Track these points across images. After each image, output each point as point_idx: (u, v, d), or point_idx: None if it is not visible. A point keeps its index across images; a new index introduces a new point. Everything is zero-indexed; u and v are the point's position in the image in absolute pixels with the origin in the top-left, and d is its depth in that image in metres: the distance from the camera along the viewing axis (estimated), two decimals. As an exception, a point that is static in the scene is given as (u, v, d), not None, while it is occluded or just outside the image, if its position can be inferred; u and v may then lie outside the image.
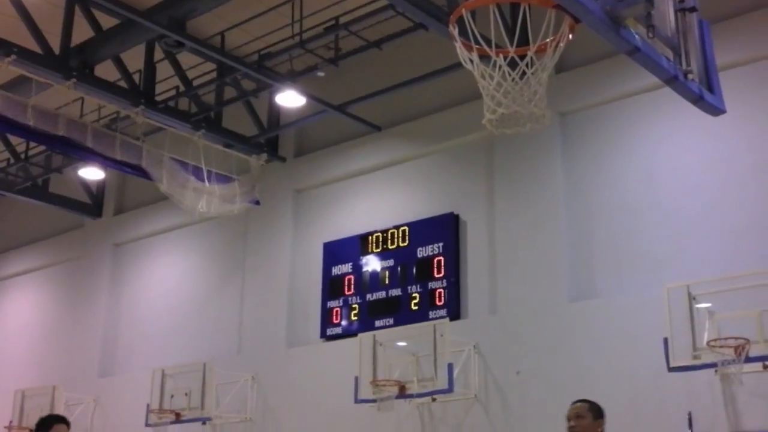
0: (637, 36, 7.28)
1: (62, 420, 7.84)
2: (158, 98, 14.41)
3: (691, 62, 7.91)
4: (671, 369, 10.09)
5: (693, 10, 7.23)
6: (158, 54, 14.21)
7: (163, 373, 15.12)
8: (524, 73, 7.87)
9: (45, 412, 16.64)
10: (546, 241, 12.35)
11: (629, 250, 11.77)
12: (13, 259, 20.96)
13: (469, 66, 7.75)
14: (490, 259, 13.00)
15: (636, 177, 12.01)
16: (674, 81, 7.87)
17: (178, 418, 14.62)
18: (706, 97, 8.25)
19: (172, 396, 14.88)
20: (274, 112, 15.54)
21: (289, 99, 14.30)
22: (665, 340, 10.09)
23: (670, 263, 11.24)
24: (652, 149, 11.97)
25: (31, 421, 16.87)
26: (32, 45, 13.09)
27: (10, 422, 17.28)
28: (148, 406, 15.00)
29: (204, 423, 14.81)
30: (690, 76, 7.80)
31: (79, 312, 18.79)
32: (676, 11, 7.16)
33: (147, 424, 14.96)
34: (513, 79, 7.84)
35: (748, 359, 9.70)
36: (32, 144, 17.38)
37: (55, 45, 13.19)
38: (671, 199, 11.59)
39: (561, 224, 12.33)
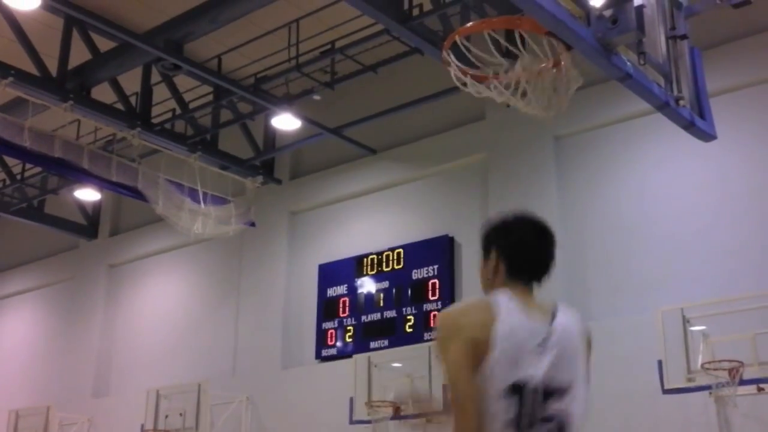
0: (628, 63, 7.38)
1: None
2: (155, 120, 14.47)
3: (682, 88, 8.01)
4: (666, 391, 10.13)
5: (684, 37, 7.34)
6: (155, 77, 14.27)
7: (157, 393, 15.11)
8: (525, 93, 8.01)
9: (39, 433, 16.77)
10: (540, 264, 12.38)
11: (623, 273, 11.85)
12: (8, 280, 20.96)
13: (463, 88, 7.87)
14: (484, 282, 13.02)
15: (630, 200, 12.11)
16: (666, 107, 7.98)
17: (172, 439, 14.63)
18: (697, 122, 8.35)
19: (166, 416, 14.88)
20: (270, 134, 15.60)
21: (285, 122, 14.38)
22: (659, 363, 10.14)
23: (664, 286, 11.32)
24: (645, 173, 12.07)
25: (24, 440, 16.91)
26: (30, 67, 13.16)
27: (4, 443, 17.29)
28: (142, 426, 14.99)
29: (197, 443, 14.80)
30: (681, 103, 7.90)
31: (73, 332, 18.78)
32: (667, 38, 7.27)
33: (142, 444, 14.97)
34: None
35: (742, 382, 9.76)
36: (28, 165, 17.42)
37: (53, 67, 13.26)
38: (665, 222, 11.68)
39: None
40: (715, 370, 9.85)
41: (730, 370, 9.74)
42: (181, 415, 14.70)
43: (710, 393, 9.96)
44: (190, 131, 14.99)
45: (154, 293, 17.79)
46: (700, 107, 8.40)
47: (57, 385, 18.52)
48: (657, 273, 11.51)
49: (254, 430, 14.81)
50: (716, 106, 7.73)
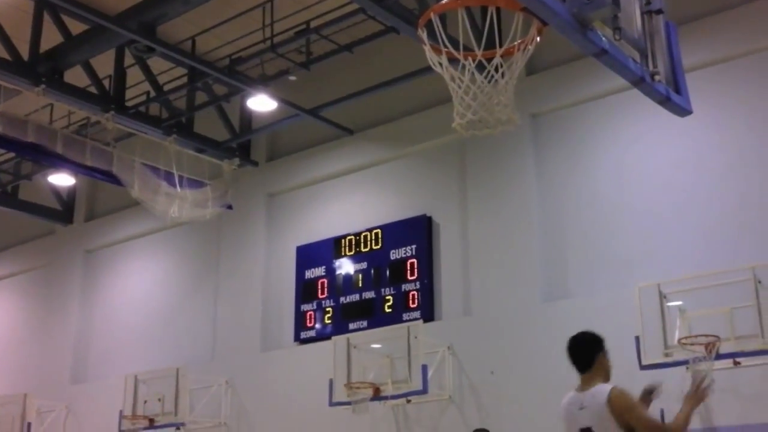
0: (604, 38, 7.34)
1: None
2: (129, 104, 14.33)
3: (657, 64, 7.99)
4: (643, 367, 10.17)
5: (659, 12, 7.31)
6: (128, 59, 14.15)
7: (136, 379, 15.06)
8: (493, 76, 7.92)
9: (17, 420, 16.64)
10: (519, 242, 12.43)
11: (601, 251, 11.89)
12: (-18, 268, 20.77)
13: (438, 69, 7.78)
14: (463, 261, 13.06)
15: (607, 177, 12.13)
16: (641, 83, 7.95)
17: (151, 424, 14.57)
18: (672, 98, 8.34)
19: (145, 402, 14.86)
20: (246, 116, 15.51)
21: (261, 103, 14.27)
22: (637, 339, 10.19)
23: (641, 263, 11.36)
24: (622, 150, 12.09)
25: (2, 428, 16.79)
26: (0, 51, 13.00)
27: (-19, 430, 17.18)
28: (121, 412, 14.94)
29: (178, 428, 14.74)
30: (657, 78, 7.88)
31: (50, 319, 18.65)
32: (642, 13, 7.23)
33: (120, 431, 14.88)
34: (481, 83, 7.89)
35: (719, 356, 9.82)
36: (1, 151, 17.24)
37: (24, 51, 13.11)
38: (642, 199, 11.71)
39: (533, 225, 12.41)
40: (692, 345, 9.90)
41: (706, 345, 9.79)
42: (159, 400, 14.69)
43: (687, 368, 9.99)
44: (165, 114, 14.87)
45: (132, 278, 17.68)
46: (676, 82, 8.40)
47: (34, 372, 18.40)
48: (634, 249, 11.55)
49: (234, 414, 14.78)
50: (692, 82, 7.72)
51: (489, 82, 7.84)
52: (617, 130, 12.18)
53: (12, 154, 16.97)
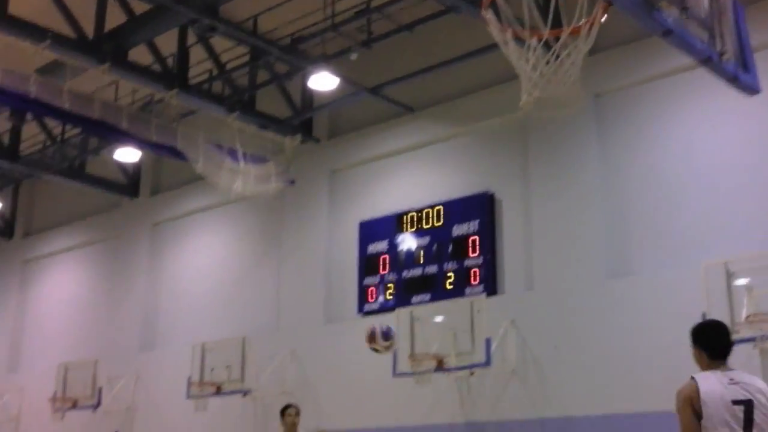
0: (670, 18, 7.31)
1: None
2: (192, 82, 14.52)
3: (725, 43, 7.94)
4: (709, 345, 10.14)
5: (726, -9, 7.27)
6: (191, 38, 14.31)
7: (203, 347, 15.44)
8: (559, 55, 7.93)
9: (88, 386, 17.19)
10: (582, 220, 12.43)
11: (666, 228, 11.84)
12: (54, 238, 21.32)
13: (504, 48, 7.80)
14: (525, 237, 13.09)
15: (672, 155, 12.04)
16: (709, 61, 7.92)
17: (218, 391, 14.95)
18: (741, 77, 8.29)
19: (212, 369, 15.23)
20: (307, 94, 15.60)
21: (322, 81, 14.33)
22: (703, 316, 10.13)
23: (707, 240, 11.32)
24: (688, 128, 11.99)
25: (74, 393, 17.36)
26: (66, 30, 13.22)
27: (54, 394, 17.74)
28: (189, 379, 15.31)
29: (244, 395, 15.10)
30: (725, 57, 7.84)
31: (119, 289, 19.13)
32: (709, -7, 7.20)
33: (188, 397, 15.30)
34: (548, 61, 7.91)
35: (786, 333, 9.79)
36: (68, 126, 17.60)
37: (89, 30, 13.32)
38: (708, 177, 11.64)
39: (596, 203, 12.39)
40: (759, 322, 9.87)
41: (774, 323, 9.76)
42: (227, 368, 14.99)
43: (754, 345, 9.99)
44: (228, 92, 15.02)
45: (198, 251, 18.02)
46: (744, 61, 8.33)
47: (104, 340, 18.94)
48: (700, 227, 11.50)
49: (299, 384, 15.05)
50: (759, 61, 7.64)
51: (555, 60, 7.87)
52: (682, 109, 12.06)
53: (79, 130, 17.31)
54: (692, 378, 5.13)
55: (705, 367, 5.24)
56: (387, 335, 9.03)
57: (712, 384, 5.04)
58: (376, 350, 8.96)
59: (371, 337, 8.86)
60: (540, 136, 13.18)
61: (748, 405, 4.98)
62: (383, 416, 13.76)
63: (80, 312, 20.17)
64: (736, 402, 4.98)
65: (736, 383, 5.06)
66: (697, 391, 4.99)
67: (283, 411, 9.75)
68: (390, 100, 14.55)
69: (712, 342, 5.30)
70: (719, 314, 9.97)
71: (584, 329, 11.98)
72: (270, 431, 15.14)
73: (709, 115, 11.73)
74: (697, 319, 10.03)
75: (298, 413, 9.81)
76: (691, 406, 4.99)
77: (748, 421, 4.95)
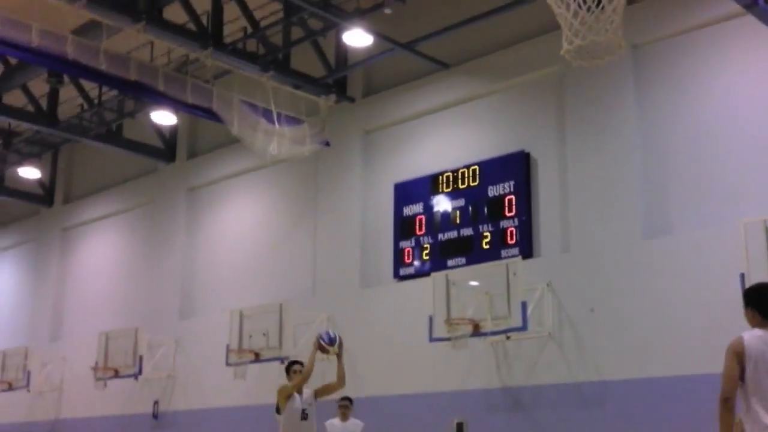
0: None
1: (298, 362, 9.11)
2: (226, 40, 14.38)
3: (771, -14, 7.59)
4: (748, 304, 9.84)
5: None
6: (225, -5, 14.17)
7: (241, 314, 15.39)
8: (600, 1, 7.75)
9: (129, 354, 17.27)
10: (619, 177, 12.10)
11: (705, 185, 11.49)
12: (91, 205, 21.43)
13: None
14: (562, 197, 12.81)
15: (713, 110, 11.64)
16: (753, 6, 7.58)
17: (257, 358, 14.90)
18: (786, 22, 7.92)
19: (250, 336, 15.18)
20: (342, 52, 15.42)
21: (357, 38, 14.10)
22: (742, 276, 9.85)
23: (746, 197, 10.96)
24: (729, 81, 11.56)
25: (115, 362, 17.46)
26: (101, -12, 13.15)
27: (96, 363, 17.84)
28: (227, 346, 15.28)
29: (282, 362, 14.99)
30: (771, 1, 7.47)
31: (157, 255, 19.17)
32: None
33: (227, 364, 15.26)
34: (589, 8, 7.71)
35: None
36: (105, 89, 17.61)
37: (124, -13, 13.24)
38: (748, 131, 11.23)
39: (634, 160, 12.05)
40: (802, 281, 9.51)
41: (817, 281, 9.41)
42: (264, 334, 14.97)
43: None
44: (262, 50, 14.88)
45: (234, 215, 17.97)
46: (791, 6, 7.97)
47: (144, 307, 19.00)
48: (739, 184, 11.13)
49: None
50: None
51: (596, 7, 7.69)
52: (723, 59, 11.62)
53: (115, 93, 17.32)
54: (741, 335, 5.25)
55: (756, 325, 5.35)
56: (332, 340, 9.17)
57: (757, 342, 5.21)
58: (328, 354, 9.16)
59: (321, 347, 9.04)
60: (577, 92, 12.83)
61: None
62: (419, 381, 13.65)
63: (119, 279, 20.27)
64: None
65: None
66: (743, 346, 5.17)
67: (289, 368, 9.20)
68: (425, 56, 14.28)
69: (765, 302, 5.35)
70: (758, 273, 9.68)
71: (621, 291, 11.69)
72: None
73: (752, 67, 11.29)
74: (736, 279, 9.88)
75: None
76: (737, 358, 5.18)
77: None
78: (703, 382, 9.50)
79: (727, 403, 5.13)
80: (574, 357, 12.00)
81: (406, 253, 14.44)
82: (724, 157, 11.37)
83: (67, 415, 20.06)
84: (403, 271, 14.44)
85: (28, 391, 20.29)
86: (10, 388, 20.33)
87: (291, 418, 8.69)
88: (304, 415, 8.70)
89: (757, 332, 5.28)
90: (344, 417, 11.59)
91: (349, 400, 11.77)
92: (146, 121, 18.33)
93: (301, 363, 9.07)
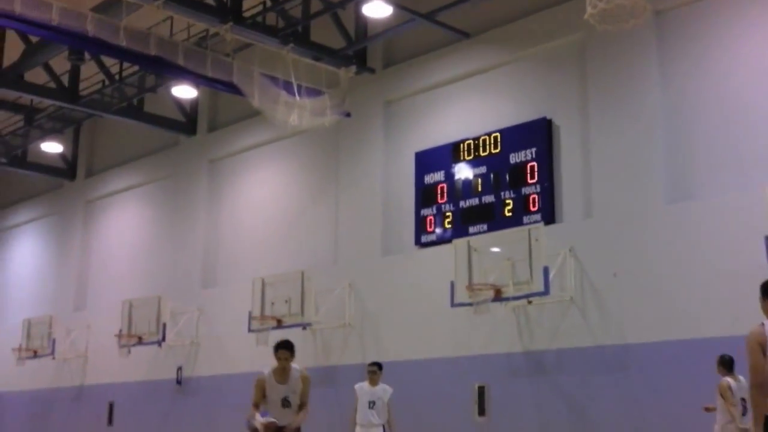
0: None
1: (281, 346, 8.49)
2: (246, 14, 14.47)
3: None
4: (772, 269, 9.98)
5: None
6: (245, -32, 14.23)
7: (263, 282, 15.61)
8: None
9: (152, 322, 17.56)
10: (641, 143, 12.20)
11: (728, 150, 11.56)
12: (115, 178, 21.68)
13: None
14: (584, 163, 12.91)
15: (736, 75, 11.69)
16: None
17: (279, 324, 15.12)
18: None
19: (272, 303, 15.40)
20: (362, 23, 15.48)
21: (376, 9, 14.16)
22: (766, 239, 9.96)
23: (769, 161, 11.03)
24: (752, 46, 11.60)
25: (139, 329, 17.78)
26: (120, -35, 13.25)
27: (120, 331, 18.16)
28: (250, 313, 15.52)
29: (304, 328, 15.29)
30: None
31: (179, 226, 19.41)
32: None
33: (250, 330, 15.53)
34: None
35: None
36: (125, 65, 17.75)
37: (142, -38, 13.33)
38: (771, 96, 11.28)
39: (657, 125, 12.13)
40: (825, 245, 9.65)
41: (840, 245, 9.54)
42: (286, 302, 15.16)
43: (820, 268, 9.76)
44: (281, 24, 14.96)
45: (255, 186, 18.15)
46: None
47: (166, 276, 19.27)
48: (763, 149, 11.20)
49: (358, 315, 15.18)
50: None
51: None
52: (747, 25, 11.67)
53: (136, 68, 17.46)
54: (762, 324, 5.59)
55: None
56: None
57: None
58: None
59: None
60: (599, 59, 12.90)
61: None
62: (441, 346, 13.85)
63: (142, 250, 20.54)
64: None
65: None
66: (764, 334, 5.51)
67: (277, 349, 8.53)
68: (445, 26, 14.34)
69: None
70: (783, 237, 9.80)
71: (643, 256, 11.82)
72: (330, 363, 15.36)
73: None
74: (760, 243, 10.01)
75: (287, 358, 8.42)
76: (760, 346, 5.52)
77: None
78: (726, 345, 9.62)
79: (761, 389, 5.45)
80: (597, 321, 12.16)
81: (427, 221, 14.60)
82: (747, 122, 11.44)
83: (92, 381, 20.48)
84: (424, 239, 14.61)
85: (53, 358, 20.75)
86: (36, 355, 20.75)
87: (272, 406, 8.44)
88: (286, 403, 8.43)
89: None
90: (373, 382, 11.73)
91: (378, 365, 11.91)
92: (167, 96, 18.49)
93: (286, 348, 8.44)
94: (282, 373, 8.45)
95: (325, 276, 15.41)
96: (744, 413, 9.28)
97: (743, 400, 9.32)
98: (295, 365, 8.53)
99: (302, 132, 15.67)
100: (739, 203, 10.95)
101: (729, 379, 9.51)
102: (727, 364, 9.58)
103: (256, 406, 8.43)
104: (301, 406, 8.54)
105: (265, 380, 8.45)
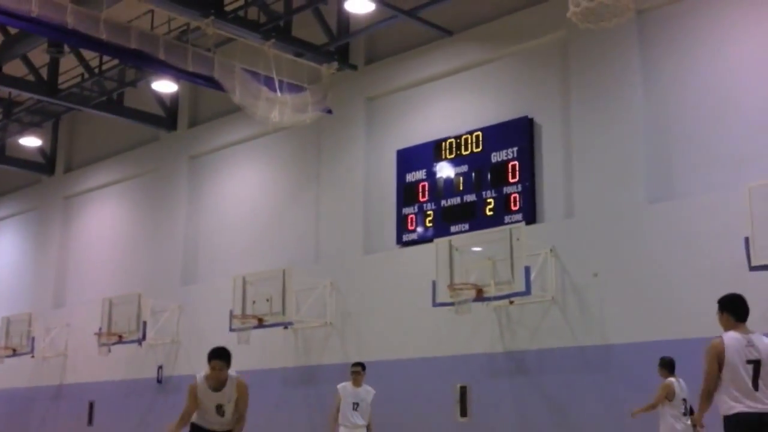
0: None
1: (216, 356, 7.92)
2: (227, 8, 14.34)
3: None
4: (753, 268, 9.98)
5: None
6: (226, -39, 14.08)
7: (244, 280, 15.44)
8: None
9: (132, 320, 17.37)
10: (623, 142, 12.15)
11: (710, 149, 11.54)
12: (94, 173, 21.48)
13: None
14: (566, 162, 12.87)
15: (718, 74, 11.67)
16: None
17: (260, 323, 14.98)
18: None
19: (254, 302, 15.23)
20: (344, 19, 15.37)
21: (359, 5, 14.06)
22: (746, 240, 9.96)
23: (751, 162, 11.02)
24: (734, 45, 11.59)
25: (119, 327, 17.59)
26: (101, -46, 13.08)
27: (99, 329, 17.98)
28: (231, 311, 15.37)
29: (286, 327, 15.17)
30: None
31: (159, 222, 19.25)
32: None
33: (231, 329, 15.34)
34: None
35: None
36: (105, 59, 17.56)
37: (123, -47, 13.18)
38: (754, 96, 11.27)
39: (639, 124, 12.09)
40: (805, 246, 9.64)
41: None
42: (267, 300, 15.01)
43: (800, 267, 9.77)
44: (263, 18, 14.83)
45: (236, 183, 18.01)
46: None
47: (146, 274, 19.12)
48: (745, 148, 11.18)
49: (339, 314, 15.09)
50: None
51: None
52: (729, 24, 11.65)
53: (116, 62, 17.27)
54: (720, 337, 6.47)
55: (730, 327, 6.56)
56: None
57: (734, 344, 6.41)
58: None
59: None
60: (581, 58, 12.85)
61: (756, 364, 6.39)
62: (423, 346, 13.79)
63: (122, 246, 20.36)
64: (749, 361, 6.38)
65: (752, 345, 6.44)
66: (723, 348, 6.37)
67: (210, 359, 7.96)
68: (427, 23, 14.26)
69: (738, 308, 6.61)
70: (763, 237, 9.81)
71: (625, 256, 11.79)
72: (311, 362, 15.26)
73: (758, 32, 11.32)
74: (741, 243, 9.99)
75: (222, 368, 7.89)
76: (717, 359, 6.38)
77: (756, 378, 6.35)
78: (705, 346, 9.57)
79: (710, 395, 6.42)
80: (578, 321, 12.13)
81: (409, 220, 14.52)
82: (729, 122, 11.43)
83: (72, 380, 20.29)
84: (406, 237, 14.53)
85: (33, 356, 20.48)
86: (15, 353, 20.50)
87: (207, 413, 8.04)
88: (220, 410, 8.01)
89: (732, 334, 6.46)
90: (357, 383, 11.58)
91: (362, 365, 11.76)
92: (147, 90, 18.33)
93: (220, 358, 7.89)
94: (216, 380, 8.00)
95: (306, 274, 15.30)
96: (685, 413, 9.83)
97: (684, 400, 9.88)
98: (231, 372, 8.07)
99: (283, 128, 15.54)
100: (721, 203, 10.94)
101: (672, 380, 9.99)
102: (668, 366, 10.11)
103: (184, 416, 8.03)
104: (239, 418, 8.15)
105: (197, 387, 8.02)
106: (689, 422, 9.55)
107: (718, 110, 11.55)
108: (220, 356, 7.94)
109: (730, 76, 11.55)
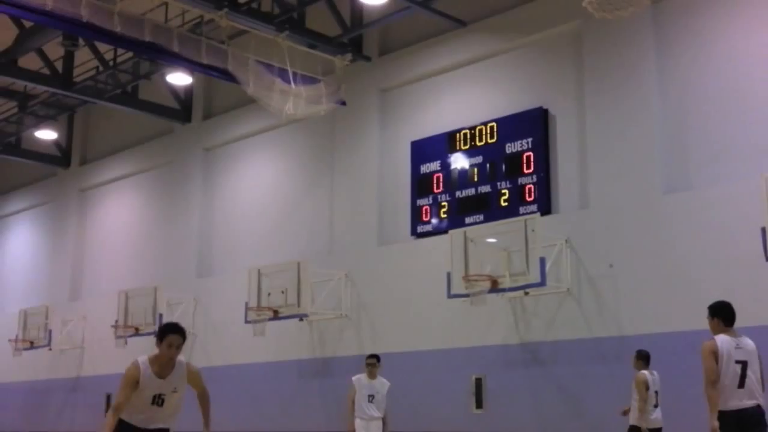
0: None
1: (174, 330, 6.50)
2: (241, 0, 14.33)
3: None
4: (769, 259, 9.90)
5: None
6: (241, -47, 14.08)
7: (259, 272, 15.46)
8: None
9: (148, 312, 17.43)
10: (638, 133, 12.09)
11: (726, 140, 11.46)
12: (109, 166, 21.54)
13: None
14: (580, 153, 12.81)
15: (733, 64, 11.57)
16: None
17: (275, 315, 15.00)
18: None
19: (269, 294, 15.25)
20: (357, 10, 15.35)
21: (372, -4, 14.06)
22: (763, 230, 9.88)
23: (767, 152, 10.90)
24: (749, 35, 11.49)
25: (136, 320, 17.64)
26: (115, -54, 13.09)
27: (116, 321, 18.04)
28: (246, 304, 15.39)
29: (301, 319, 15.19)
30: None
31: (174, 215, 19.29)
32: None
33: (246, 321, 15.38)
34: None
35: None
36: (120, 51, 17.60)
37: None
38: (770, 85, 11.16)
39: (654, 115, 12.02)
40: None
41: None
42: (282, 292, 15.03)
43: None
44: (277, 10, 14.82)
45: (250, 175, 18.03)
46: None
47: (162, 266, 19.17)
48: (760, 139, 11.10)
49: (354, 306, 15.09)
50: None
51: None
52: (744, 14, 11.56)
53: (130, 54, 17.32)
54: (713, 339, 7.12)
55: (720, 331, 7.19)
56: None
57: (726, 345, 7.07)
58: None
59: None
60: (595, 48, 12.77)
61: (744, 365, 7.05)
62: (437, 338, 13.78)
63: (137, 239, 20.43)
64: (737, 362, 7.03)
65: (740, 348, 7.11)
66: (716, 348, 7.03)
67: (161, 336, 6.49)
68: (441, 14, 14.21)
69: (728, 314, 7.28)
70: (781, 227, 9.69)
71: (640, 247, 11.74)
72: (326, 354, 15.28)
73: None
74: (757, 234, 9.92)
75: (180, 346, 6.45)
76: (713, 353, 7.01)
77: (743, 377, 7.02)
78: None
79: (715, 386, 6.94)
80: (593, 312, 12.09)
81: (423, 211, 14.50)
82: (745, 112, 11.34)
83: (89, 372, 20.38)
84: (420, 229, 14.51)
85: (50, 349, 20.59)
86: (32, 346, 20.62)
87: (139, 403, 6.41)
88: (158, 400, 6.46)
89: (723, 337, 7.11)
90: (372, 375, 11.51)
91: (377, 358, 11.63)
92: (161, 83, 18.37)
93: (180, 333, 6.46)
94: (167, 363, 6.46)
95: (321, 266, 15.32)
96: (656, 405, 10.25)
97: (656, 393, 10.26)
98: (180, 357, 6.57)
99: (297, 120, 15.54)
100: (737, 193, 10.86)
101: (645, 373, 10.24)
102: (644, 359, 10.35)
103: (119, 410, 6.30)
104: (205, 411, 6.93)
105: (139, 371, 6.37)
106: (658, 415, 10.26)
107: (734, 100, 11.46)
108: (177, 330, 6.48)
109: (746, 66, 11.45)
